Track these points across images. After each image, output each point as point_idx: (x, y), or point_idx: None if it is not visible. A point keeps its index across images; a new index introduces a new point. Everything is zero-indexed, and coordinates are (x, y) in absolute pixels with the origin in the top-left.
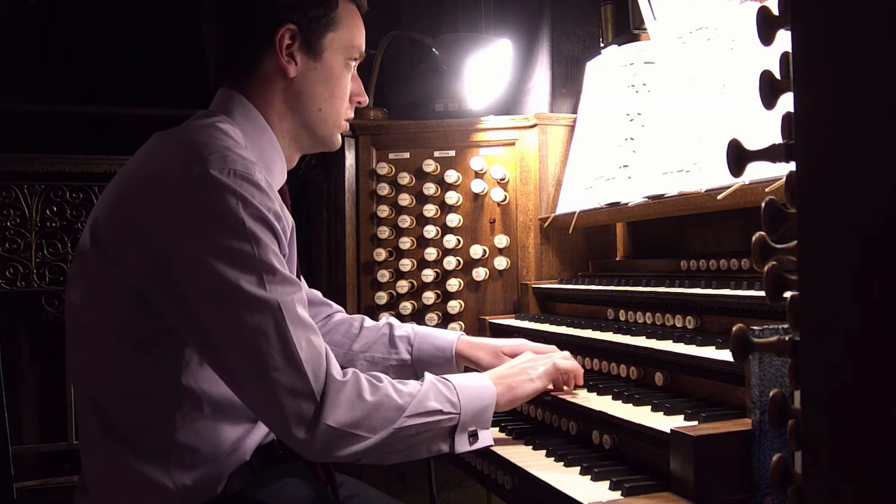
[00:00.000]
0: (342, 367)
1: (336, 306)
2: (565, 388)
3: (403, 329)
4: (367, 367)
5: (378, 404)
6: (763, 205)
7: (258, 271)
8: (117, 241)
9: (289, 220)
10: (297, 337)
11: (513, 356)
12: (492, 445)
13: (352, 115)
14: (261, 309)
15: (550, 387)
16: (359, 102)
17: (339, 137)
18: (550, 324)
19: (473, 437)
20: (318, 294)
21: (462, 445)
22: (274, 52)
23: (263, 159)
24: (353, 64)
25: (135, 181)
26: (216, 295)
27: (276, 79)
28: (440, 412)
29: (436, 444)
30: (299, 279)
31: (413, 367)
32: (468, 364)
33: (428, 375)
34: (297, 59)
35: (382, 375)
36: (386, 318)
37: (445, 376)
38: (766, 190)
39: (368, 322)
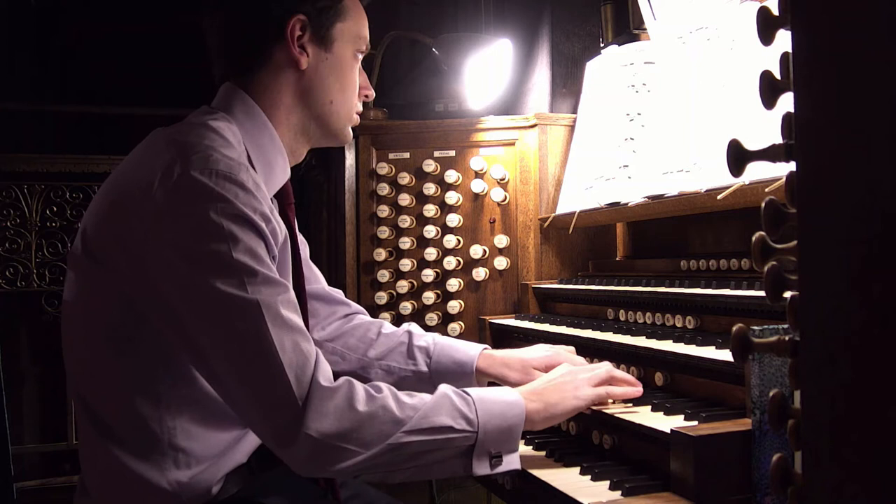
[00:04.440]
0: (360, 377)
1: (356, 307)
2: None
3: (423, 339)
4: (383, 375)
5: (371, 416)
6: (763, 205)
7: (237, 272)
8: (104, 244)
9: (281, 228)
10: (279, 340)
11: (546, 369)
12: (518, 468)
13: (361, 108)
14: (240, 311)
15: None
16: (366, 96)
17: (350, 131)
18: (550, 324)
19: (497, 458)
20: (338, 293)
21: (481, 468)
22: (285, 43)
23: (264, 157)
24: (360, 56)
25: (122, 183)
26: (195, 299)
27: (286, 72)
28: (451, 429)
29: (449, 465)
30: (298, 281)
31: (431, 381)
32: (494, 381)
33: (443, 387)
34: (309, 51)
35: (385, 385)
36: (407, 324)
37: (466, 389)
38: (766, 190)
39: (387, 328)
